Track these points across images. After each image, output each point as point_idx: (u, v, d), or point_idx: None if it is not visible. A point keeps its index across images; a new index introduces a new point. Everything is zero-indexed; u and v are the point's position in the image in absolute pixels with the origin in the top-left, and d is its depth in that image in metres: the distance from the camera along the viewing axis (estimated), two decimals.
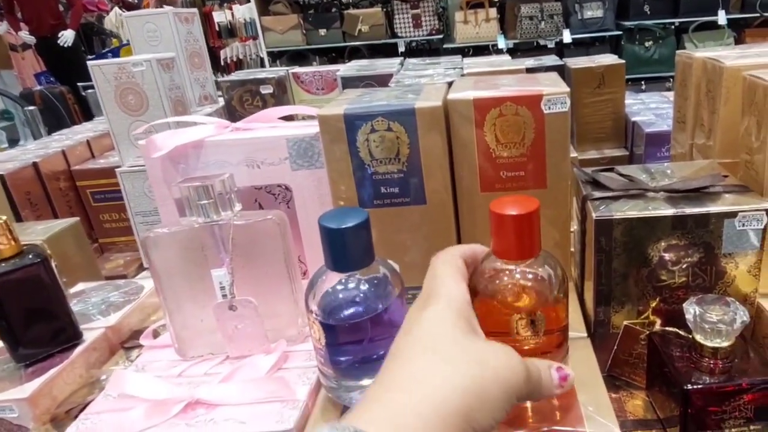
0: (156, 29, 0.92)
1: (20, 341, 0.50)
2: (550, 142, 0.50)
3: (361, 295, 0.37)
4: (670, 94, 1.20)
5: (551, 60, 1.06)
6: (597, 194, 0.49)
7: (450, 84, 0.57)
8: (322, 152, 0.49)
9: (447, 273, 0.34)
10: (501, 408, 0.29)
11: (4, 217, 0.48)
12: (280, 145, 0.48)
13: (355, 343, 0.38)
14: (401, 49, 3.55)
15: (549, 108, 0.48)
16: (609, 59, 1.05)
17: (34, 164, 0.81)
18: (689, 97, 0.64)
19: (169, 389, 0.40)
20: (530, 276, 0.37)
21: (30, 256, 0.50)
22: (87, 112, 2.83)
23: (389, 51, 3.51)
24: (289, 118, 0.61)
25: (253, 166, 0.49)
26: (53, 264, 0.51)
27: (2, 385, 0.48)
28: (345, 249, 0.36)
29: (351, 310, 0.37)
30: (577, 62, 1.05)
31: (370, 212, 0.50)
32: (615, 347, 0.50)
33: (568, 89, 0.48)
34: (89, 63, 0.81)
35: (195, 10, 1.00)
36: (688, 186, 0.47)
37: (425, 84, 0.60)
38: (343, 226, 0.35)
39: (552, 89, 0.48)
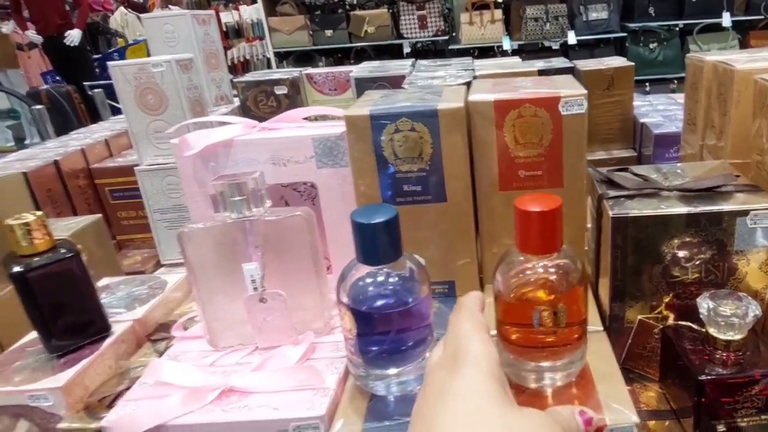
0: (174, 30, 0.93)
1: (53, 333, 0.52)
2: (567, 142, 0.51)
3: (390, 287, 0.39)
4: (677, 96, 1.22)
5: (561, 62, 1.07)
6: (612, 193, 0.51)
7: (467, 85, 0.59)
8: (346, 151, 0.51)
9: (473, 330, 0.31)
10: None
11: (40, 213, 0.50)
12: (307, 144, 0.50)
13: (384, 334, 0.39)
14: (406, 50, 3.57)
15: (567, 109, 0.50)
16: (618, 61, 1.07)
17: (55, 162, 0.83)
18: (700, 99, 0.66)
19: (204, 377, 0.42)
20: (552, 270, 0.39)
21: (63, 251, 0.52)
22: (93, 112, 2.86)
23: (394, 52, 3.53)
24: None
25: (280, 164, 0.50)
26: (84, 258, 0.53)
27: (36, 375, 0.50)
28: (375, 243, 0.37)
29: (381, 301, 0.38)
30: (586, 64, 1.06)
31: None
32: (629, 341, 0.52)
33: (585, 91, 0.50)
34: (109, 64, 0.82)
35: (212, 11, 1.02)
36: (701, 185, 0.48)
37: (444, 86, 0.62)
38: (375, 221, 0.37)
39: (570, 91, 0.50)
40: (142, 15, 0.99)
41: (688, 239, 0.47)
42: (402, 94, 0.55)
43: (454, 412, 0.27)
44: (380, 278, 0.39)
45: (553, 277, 0.38)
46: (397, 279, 0.39)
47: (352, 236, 0.38)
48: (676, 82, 3.21)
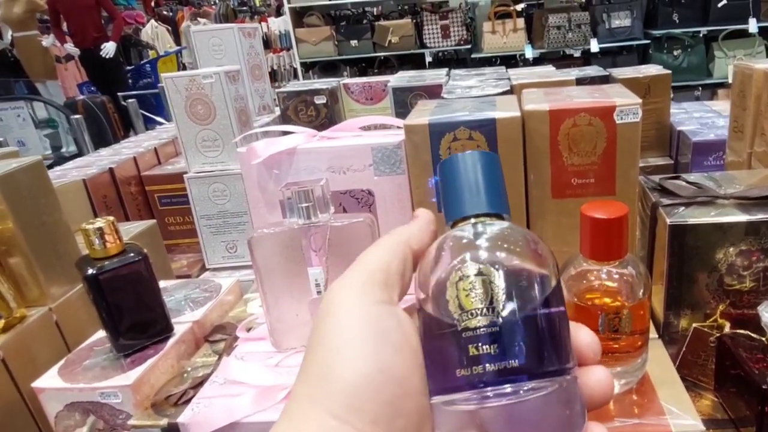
0: (221, 43, 0.97)
1: (121, 332, 0.54)
2: (621, 150, 0.52)
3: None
4: (713, 104, 1.21)
5: (595, 71, 1.07)
6: (667, 201, 0.51)
7: (506, 94, 0.60)
8: (403, 159, 0.53)
9: (381, 239, 0.27)
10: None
11: (112, 218, 0.53)
12: (366, 152, 0.52)
13: None
14: (428, 59, 3.60)
15: (621, 118, 0.51)
16: (654, 69, 1.07)
17: (110, 170, 0.86)
18: (748, 107, 0.66)
19: (274, 377, 0.43)
20: (617, 276, 0.39)
21: (131, 254, 0.54)
22: (126, 121, 2.94)
23: (417, 61, 3.56)
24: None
25: (339, 172, 0.52)
26: (150, 261, 0.55)
27: (106, 373, 0.52)
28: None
29: None
30: (623, 72, 1.07)
31: None
32: (683, 349, 0.52)
33: (640, 100, 0.51)
34: (162, 75, 0.86)
35: (257, 25, 1.05)
36: (760, 193, 0.49)
37: (495, 96, 0.63)
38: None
39: (625, 100, 0.50)
40: (193, 28, 1.02)
41: (745, 247, 0.48)
42: (457, 104, 0.57)
43: (317, 330, 0.24)
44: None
45: (619, 284, 0.39)
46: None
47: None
48: (700, 89, 3.16)
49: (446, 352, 0.22)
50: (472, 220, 0.24)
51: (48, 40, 3.67)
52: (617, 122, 0.51)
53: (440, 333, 0.22)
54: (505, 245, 0.23)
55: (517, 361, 0.21)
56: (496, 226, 0.24)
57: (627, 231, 0.38)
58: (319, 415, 0.22)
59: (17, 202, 0.59)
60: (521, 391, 0.21)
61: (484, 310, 0.21)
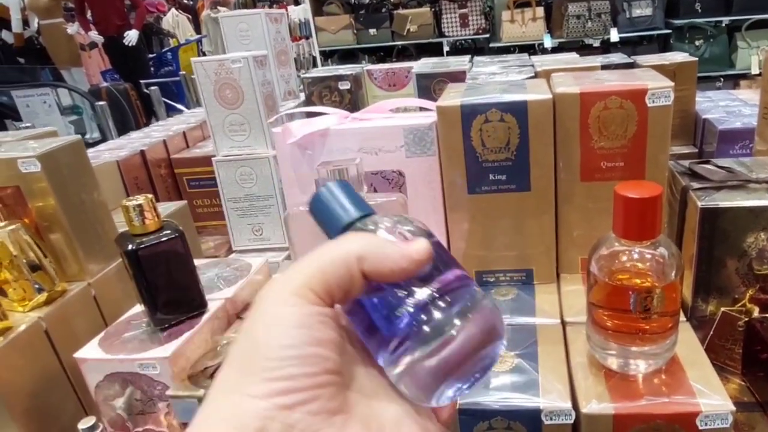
0: (248, 28, 0.98)
1: (158, 307, 0.56)
2: (652, 134, 0.52)
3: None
4: (738, 92, 1.19)
5: (620, 58, 1.06)
6: (697, 184, 0.51)
7: (533, 78, 0.60)
8: (434, 141, 0.53)
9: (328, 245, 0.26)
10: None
11: (150, 195, 0.54)
12: (398, 134, 0.52)
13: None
14: (446, 48, 3.58)
15: (653, 101, 0.51)
16: (680, 56, 1.05)
17: (142, 152, 0.88)
18: None
19: None
20: (650, 256, 0.40)
21: (168, 231, 0.56)
22: (148, 108, 2.98)
23: (435, 50, 3.54)
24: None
25: (372, 152, 0.53)
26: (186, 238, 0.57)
27: (145, 345, 0.54)
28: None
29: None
30: (648, 60, 1.05)
31: (477, 198, 0.54)
32: (711, 333, 0.52)
33: (672, 83, 0.51)
34: (192, 60, 0.87)
35: (284, 11, 1.06)
36: None
37: (525, 80, 0.64)
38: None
39: (657, 83, 0.51)
40: (219, 15, 1.03)
41: None
42: (487, 86, 0.57)
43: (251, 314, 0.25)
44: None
45: (652, 264, 0.39)
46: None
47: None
48: (722, 80, 3.10)
49: (383, 306, 0.25)
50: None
51: (73, 28, 3.73)
52: (649, 105, 0.51)
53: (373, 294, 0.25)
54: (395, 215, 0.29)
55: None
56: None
57: (660, 211, 0.39)
58: (237, 398, 0.22)
59: (58, 179, 0.61)
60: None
61: None
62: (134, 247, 0.53)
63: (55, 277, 0.61)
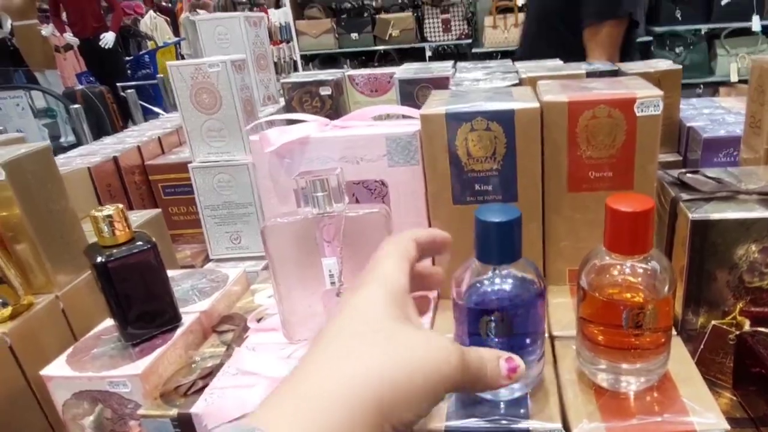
0: (226, 32, 0.95)
1: (129, 321, 0.53)
2: (640, 144, 0.51)
3: (507, 288, 0.38)
4: (720, 100, 1.20)
5: (605, 65, 1.06)
6: (686, 195, 0.51)
7: (517, 85, 0.59)
8: (417, 150, 0.52)
9: (390, 254, 0.31)
10: (424, 400, 0.25)
11: (121, 205, 0.51)
12: (380, 142, 0.51)
13: (497, 335, 0.38)
14: (428, 53, 3.58)
15: (642, 110, 0.50)
16: (665, 64, 1.06)
17: (115, 159, 0.85)
18: (766, 102, 0.65)
19: (287, 368, 0.42)
20: (641, 271, 0.39)
21: (140, 243, 0.53)
22: (125, 112, 2.92)
23: (417, 55, 3.54)
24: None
25: (353, 161, 0.51)
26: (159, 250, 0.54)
27: (115, 362, 0.51)
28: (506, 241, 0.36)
29: (494, 300, 0.38)
30: (632, 67, 1.05)
31: (462, 208, 0.53)
32: (701, 347, 0.51)
33: (661, 92, 0.50)
34: (168, 63, 0.84)
35: (263, 14, 1.04)
36: None
37: (511, 87, 0.62)
38: (502, 220, 0.36)
39: (646, 92, 0.50)
40: (197, 18, 1.00)
41: None
42: (472, 93, 0.56)
43: (338, 321, 0.27)
44: (496, 279, 0.38)
45: (644, 278, 0.38)
46: (512, 281, 0.38)
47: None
48: (702, 86, 3.15)
49: None
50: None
51: (47, 30, 3.65)
52: (637, 114, 0.50)
53: None
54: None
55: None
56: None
57: (652, 225, 0.37)
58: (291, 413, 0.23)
59: (24, 188, 0.58)
60: None
61: None
62: (103, 260, 0.50)
63: (21, 290, 0.58)
